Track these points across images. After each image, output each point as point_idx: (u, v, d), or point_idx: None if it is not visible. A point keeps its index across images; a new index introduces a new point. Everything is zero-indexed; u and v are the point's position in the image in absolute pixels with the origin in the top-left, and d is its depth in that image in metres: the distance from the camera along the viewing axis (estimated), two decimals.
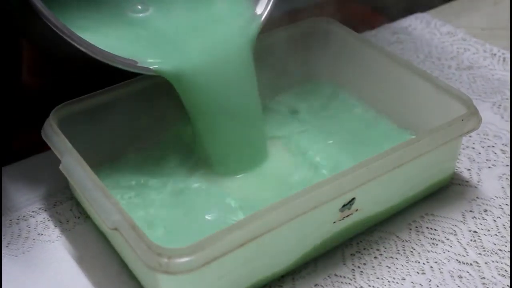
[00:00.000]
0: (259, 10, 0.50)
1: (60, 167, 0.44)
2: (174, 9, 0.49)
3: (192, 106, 0.47)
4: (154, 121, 0.52)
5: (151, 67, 0.45)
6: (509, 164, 0.53)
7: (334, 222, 0.44)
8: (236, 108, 0.48)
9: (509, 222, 0.48)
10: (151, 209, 0.46)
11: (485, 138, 0.56)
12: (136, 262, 0.41)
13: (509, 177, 0.52)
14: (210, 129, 0.48)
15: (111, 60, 0.44)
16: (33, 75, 0.65)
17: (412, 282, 0.44)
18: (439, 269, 0.45)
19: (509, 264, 0.45)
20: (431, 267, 0.45)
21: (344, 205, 0.44)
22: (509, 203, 0.50)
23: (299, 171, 0.50)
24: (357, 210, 0.45)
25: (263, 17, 0.50)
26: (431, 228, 0.48)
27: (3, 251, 0.46)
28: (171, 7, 0.49)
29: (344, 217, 0.44)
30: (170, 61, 0.46)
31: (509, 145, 0.55)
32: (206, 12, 0.49)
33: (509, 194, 0.51)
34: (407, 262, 0.45)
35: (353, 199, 0.44)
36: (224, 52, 0.47)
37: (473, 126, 0.48)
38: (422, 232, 0.48)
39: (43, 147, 0.48)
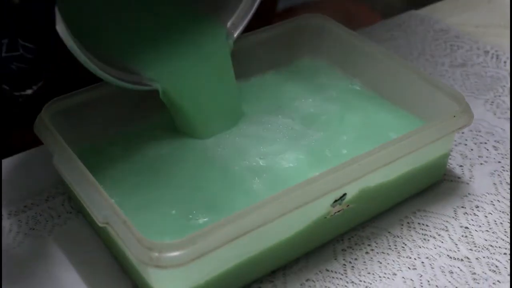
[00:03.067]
0: (233, 24, 0.52)
1: (53, 161, 0.44)
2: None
3: (176, 106, 0.50)
4: (145, 114, 0.52)
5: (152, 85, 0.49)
6: (501, 160, 0.53)
7: (326, 218, 0.44)
8: (216, 97, 0.52)
9: (500, 218, 0.48)
10: (145, 198, 0.46)
11: (477, 135, 0.56)
12: (127, 256, 0.41)
13: (501, 174, 0.52)
14: (191, 112, 0.50)
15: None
16: None
17: (403, 278, 0.44)
18: (430, 264, 0.45)
19: (499, 260, 0.45)
20: (422, 262, 0.45)
21: (335, 201, 0.44)
22: (500, 199, 0.50)
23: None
24: (348, 205, 0.45)
25: (237, 33, 0.52)
26: (422, 224, 0.48)
27: None
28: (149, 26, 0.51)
29: (335, 213, 0.45)
30: (160, 81, 0.49)
31: (501, 141, 0.55)
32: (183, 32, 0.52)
33: (500, 191, 0.51)
34: (398, 258, 0.45)
35: (345, 194, 0.44)
36: (207, 69, 0.51)
37: (465, 122, 0.48)
38: (414, 228, 0.48)
39: (36, 142, 0.48)
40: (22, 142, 0.55)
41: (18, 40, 0.38)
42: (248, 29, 0.54)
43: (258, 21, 0.55)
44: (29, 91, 0.39)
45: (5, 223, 0.48)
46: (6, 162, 0.52)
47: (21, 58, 0.38)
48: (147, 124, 0.52)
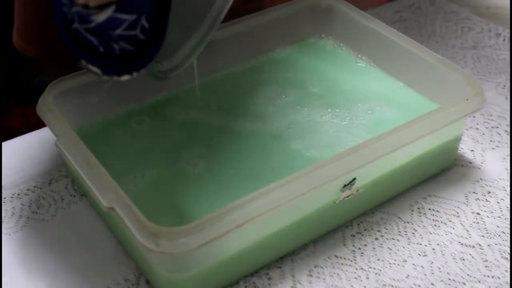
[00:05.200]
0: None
1: (56, 143, 0.43)
2: None
3: None
4: (148, 95, 0.52)
5: None
6: None
7: (335, 203, 0.43)
8: None
9: None
10: (150, 178, 0.46)
11: (489, 119, 0.55)
12: (132, 241, 0.40)
13: None
14: None
15: None
16: (24, 41, 0.63)
17: (413, 264, 0.43)
18: (441, 251, 0.44)
19: None
20: (433, 249, 0.44)
21: (345, 185, 0.43)
22: None
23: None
24: (358, 190, 0.44)
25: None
26: (433, 210, 0.47)
27: None
28: None
29: (345, 198, 0.44)
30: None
31: None
32: None
33: None
34: (408, 244, 0.45)
35: (354, 179, 0.43)
36: None
37: (478, 106, 0.47)
38: (424, 214, 0.47)
39: (39, 124, 0.47)
40: (22, 121, 0.55)
41: (141, 19, 0.36)
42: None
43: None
44: (126, 77, 0.37)
45: (8, 207, 0.47)
46: (8, 144, 0.51)
47: (133, 39, 0.36)
48: (151, 104, 0.52)
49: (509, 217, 0.46)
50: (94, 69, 0.37)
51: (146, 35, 0.36)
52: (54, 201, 0.47)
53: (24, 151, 0.51)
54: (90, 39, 0.36)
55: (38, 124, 0.51)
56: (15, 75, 0.68)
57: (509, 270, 0.43)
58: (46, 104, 0.45)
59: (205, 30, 0.49)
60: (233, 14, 0.55)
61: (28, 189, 0.48)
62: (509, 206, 0.47)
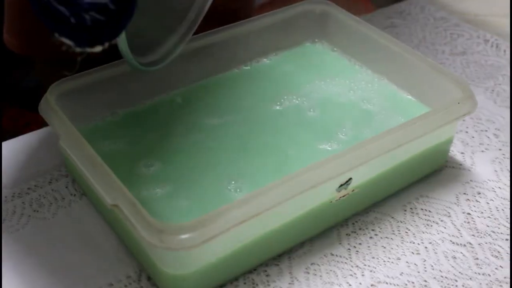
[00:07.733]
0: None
1: (60, 143, 0.44)
2: None
3: None
4: (149, 95, 0.53)
5: None
6: (502, 148, 0.54)
7: (331, 202, 0.45)
8: None
9: (501, 205, 0.49)
10: (151, 178, 0.46)
11: (478, 123, 0.56)
12: (135, 238, 0.41)
13: (502, 161, 0.53)
14: None
15: None
16: (14, 37, 0.63)
17: (407, 262, 0.44)
18: (434, 249, 0.45)
19: (501, 246, 0.46)
20: (426, 247, 0.46)
21: (341, 185, 0.44)
22: (501, 186, 0.50)
23: None
24: (353, 190, 0.45)
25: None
26: (425, 210, 0.48)
27: None
28: None
29: (340, 197, 0.45)
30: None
31: (501, 129, 0.56)
32: None
33: (501, 178, 0.51)
34: (402, 243, 0.46)
35: (350, 179, 0.44)
36: None
37: (469, 109, 0.48)
38: (417, 214, 0.48)
39: (29, 126, 0.48)
40: (13, 125, 0.55)
41: None
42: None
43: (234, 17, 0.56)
44: (98, 48, 0.37)
45: (9, 205, 0.48)
46: (9, 143, 0.52)
47: (103, 8, 0.36)
48: (152, 104, 0.53)
49: (498, 217, 0.48)
50: (67, 41, 0.37)
51: (116, 5, 0.37)
52: (54, 200, 0.48)
53: (24, 151, 0.52)
54: (61, 9, 0.36)
55: (27, 126, 0.51)
56: (5, 77, 0.68)
57: (499, 267, 0.44)
58: (49, 104, 0.46)
59: (186, 28, 0.51)
60: (224, 12, 0.56)
61: (29, 188, 0.49)
62: (498, 206, 0.49)
